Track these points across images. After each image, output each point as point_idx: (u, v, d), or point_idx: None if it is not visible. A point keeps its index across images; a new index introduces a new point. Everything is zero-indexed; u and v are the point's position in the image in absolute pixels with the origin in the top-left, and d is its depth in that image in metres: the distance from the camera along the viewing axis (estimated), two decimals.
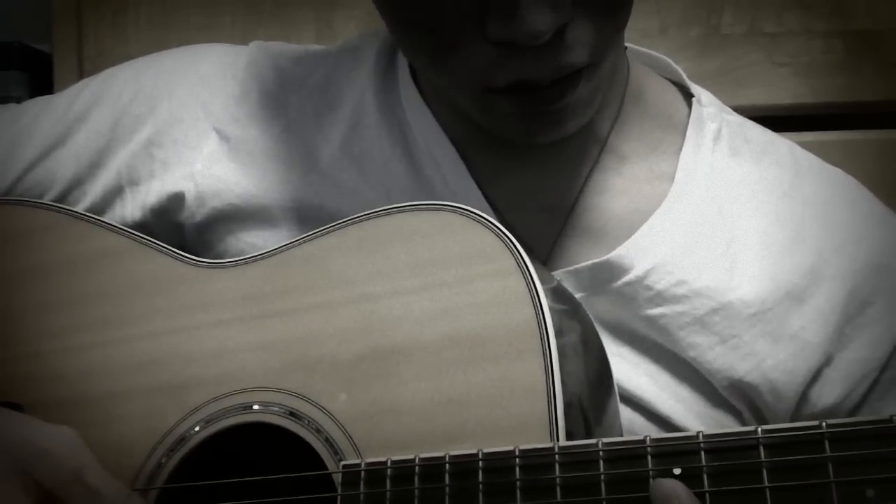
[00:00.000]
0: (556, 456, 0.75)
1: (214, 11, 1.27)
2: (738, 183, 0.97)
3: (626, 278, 0.93)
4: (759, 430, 0.71)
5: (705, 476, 0.72)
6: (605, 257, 0.93)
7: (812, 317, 0.94)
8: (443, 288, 0.84)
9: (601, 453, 0.74)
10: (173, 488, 0.88)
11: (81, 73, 1.18)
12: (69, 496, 0.84)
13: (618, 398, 0.89)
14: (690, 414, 0.93)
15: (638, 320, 0.93)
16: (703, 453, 0.72)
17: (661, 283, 0.93)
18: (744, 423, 0.94)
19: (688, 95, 1.02)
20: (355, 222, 0.89)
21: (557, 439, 0.77)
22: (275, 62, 1.05)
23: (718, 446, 0.72)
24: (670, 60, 1.05)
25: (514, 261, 0.83)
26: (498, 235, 0.84)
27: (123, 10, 1.29)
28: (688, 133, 0.98)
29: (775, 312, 0.93)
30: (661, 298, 0.93)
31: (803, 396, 0.94)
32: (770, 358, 0.93)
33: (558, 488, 0.75)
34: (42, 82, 1.19)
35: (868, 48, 1.25)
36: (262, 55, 1.05)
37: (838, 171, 1.02)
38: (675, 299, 0.93)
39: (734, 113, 1.04)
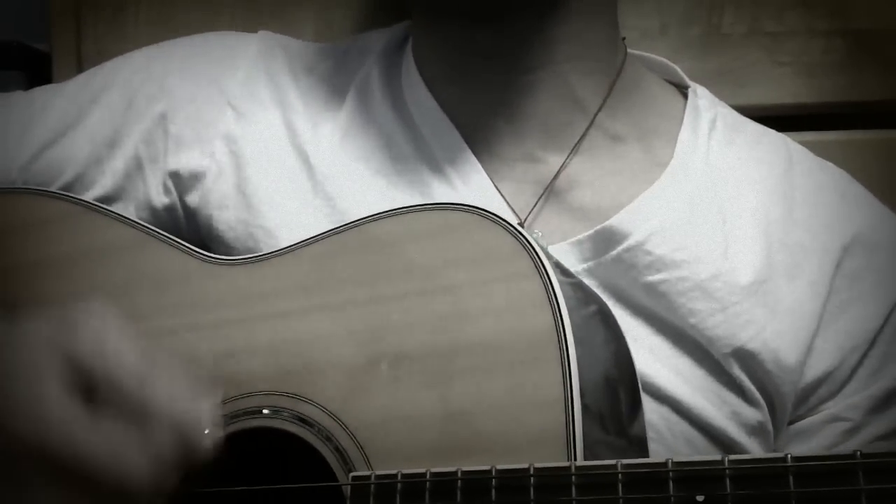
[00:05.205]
0: (573, 477, 0.73)
1: (213, 11, 1.28)
2: (732, 167, 0.99)
3: (625, 244, 0.94)
4: (789, 457, 0.69)
5: None
6: (604, 224, 0.94)
7: (804, 289, 0.95)
8: (457, 291, 0.82)
9: (620, 476, 0.72)
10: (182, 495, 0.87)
11: (80, 73, 1.16)
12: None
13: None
14: (689, 386, 0.93)
15: (638, 289, 0.94)
16: (728, 480, 0.70)
17: (660, 248, 0.94)
18: (744, 397, 0.94)
19: (683, 91, 1.05)
20: (367, 222, 0.87)
21: (575, 458, 0.75)
22: (285, 43, 1.08)
23: (745, 473, 0.70)
24: (666, 60, 1.08)
25: (531, 263, 0.80)
26: (514, 236, 0.82)
27: (122, 9, 1.29)
28: (685, 120, 1.01)
29: (769, 287, 0.95)
30: (661, 263, 0.93)
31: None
32: (770, 327, 0.94)
33: None
34: (41, 82, 1.18)
35: (869, 48, 1.25)
36: (272, 39, 1.08)
37: (829, 163, 1.04)
38: (675, 264, 0.94)
39: (727, 106, 1.06)
